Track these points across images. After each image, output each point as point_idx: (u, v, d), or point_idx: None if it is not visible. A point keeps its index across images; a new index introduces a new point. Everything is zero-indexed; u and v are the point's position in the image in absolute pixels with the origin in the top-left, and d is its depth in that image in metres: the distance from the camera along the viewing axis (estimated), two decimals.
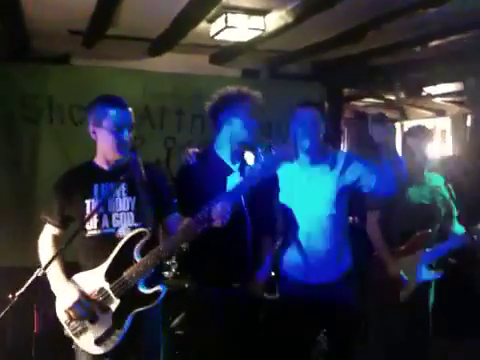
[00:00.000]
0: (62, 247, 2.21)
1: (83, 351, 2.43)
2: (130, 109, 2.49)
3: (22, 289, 2.05)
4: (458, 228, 3.43)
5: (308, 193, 2.94)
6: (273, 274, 3.65)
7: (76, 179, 2.54)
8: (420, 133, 3.42)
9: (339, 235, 2.98)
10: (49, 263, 2.20)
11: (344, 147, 7.76)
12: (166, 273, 3.82)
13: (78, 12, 3.63)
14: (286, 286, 3.02)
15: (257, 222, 2.75)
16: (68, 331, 2.43)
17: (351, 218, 3.41)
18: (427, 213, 3.34)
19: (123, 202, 2.48)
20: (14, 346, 3.67)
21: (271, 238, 2.95)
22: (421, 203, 3.34)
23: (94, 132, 2.49)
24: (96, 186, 2.48)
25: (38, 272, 2.10)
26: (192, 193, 2.66)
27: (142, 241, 2.38)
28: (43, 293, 2.43)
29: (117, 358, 2.42)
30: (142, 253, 2.38)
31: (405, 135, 3.52)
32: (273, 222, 2.93)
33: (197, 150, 2.86)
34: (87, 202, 2.46)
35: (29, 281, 2.07)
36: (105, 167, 2.53)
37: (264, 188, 2.54)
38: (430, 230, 3.29)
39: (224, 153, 2.83)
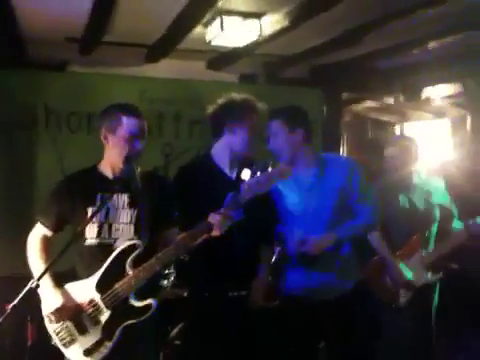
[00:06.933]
0: (56, 257, 2.17)
1: None
2: (144, 119, 2.44)
3: (15, 301, 2.01)
4: (457, 224, 3.40)
5: (305, 206, 2.78)
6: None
7: (80, 185, 2.48)
8: (398, 143, 3.38)
9: (345, 248, 2.84)
10: (43, 274, 2.16)
11: (344, 151, 7.73)
12: (164, 282, 3.77)
13: (74, 20, 3.61)
14: (288, 303, 2.89)
15: (253, 232, 2.67)
16: (56, 341, 2.39)
17: None
18: (421, 217, 3.31)
19: (124, 214, 2.44)
20: (11, 356, 3.64)
21: (268, 247, 2.90)
22: (414, 208, 3.32)
23: (106, 138, 2.44)
24: (99, 196, 2.43)
25: (31, 283, 2.06)
26: (188, 203, 2.58)
27: (134, 253, 2.34)
28: (37, 304, 2.39)
29: None
30: (135, 265, 2.33)
31: (385, 146, 3.41)
32: (270, 232, 2.82)
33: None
34: (89, 210, 2.42)
35: (22, 292, 2.04)
36: (110, 175, 2.48)
37: (261, 199, 2.41)
38: (426, 233, 3.30)
39: (222, 161, 2.76)
